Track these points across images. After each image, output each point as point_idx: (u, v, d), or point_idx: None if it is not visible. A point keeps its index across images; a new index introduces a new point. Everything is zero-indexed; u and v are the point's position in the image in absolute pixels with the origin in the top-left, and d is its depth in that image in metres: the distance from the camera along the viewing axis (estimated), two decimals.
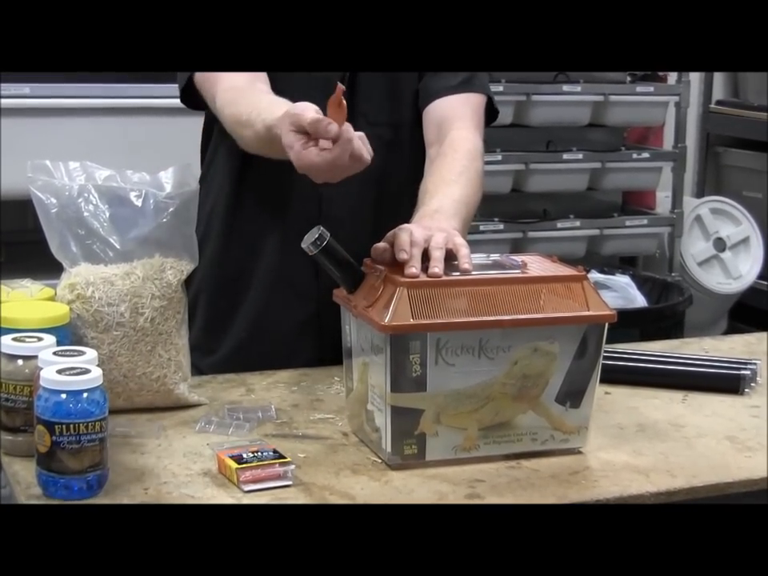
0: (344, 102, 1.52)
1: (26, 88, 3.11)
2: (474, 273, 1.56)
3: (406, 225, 1.64)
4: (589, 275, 3.83)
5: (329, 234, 1.54)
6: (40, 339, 1.53)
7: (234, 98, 1.80)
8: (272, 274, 1.97)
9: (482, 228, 3.87)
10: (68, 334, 1.60)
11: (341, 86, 1.52)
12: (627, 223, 4.21)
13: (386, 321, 1.48)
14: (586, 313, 1.57)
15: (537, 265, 1.64)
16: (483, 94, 2.00)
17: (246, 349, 1.99)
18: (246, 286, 2.00)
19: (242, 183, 1.97)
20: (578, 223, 4.09)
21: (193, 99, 1.94)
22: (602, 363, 1.60)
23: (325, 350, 1.90)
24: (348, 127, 1.52)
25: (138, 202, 1.68)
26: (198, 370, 1.91)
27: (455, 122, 1.93)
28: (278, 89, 1.85)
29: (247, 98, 1.79)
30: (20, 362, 1.51)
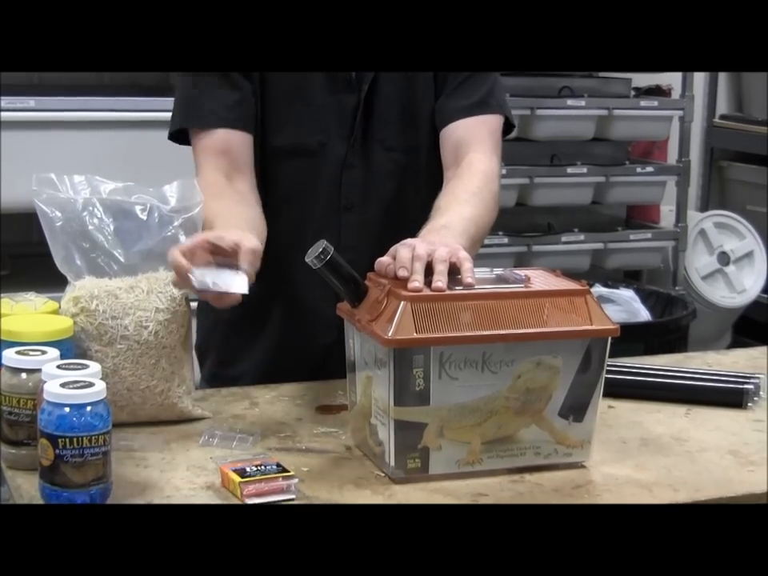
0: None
1: (30, 101, 3.12)
2: (477, 287, 1.56)
3: (409, 240, 1.64)
4: (593, 289, 3.80)
5: (332, 248, 1.54)
6: (44, 353, 1.53)
7: (206, 199, 1.81)
8: (293, 302, 1.97)
9: (486, 242, 3.87)
10: (72, 348, 1.61)
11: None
12: (631, 237, 4.21)
13: (389, 335, 1.48)
14: (590, 327, 1.57)
15: (540, 279, 1.64)
16: (500, 114, 1.99)
17: (267, 377, 1.96)
18: (267, 315, 1.99)
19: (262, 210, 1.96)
20: (582, 237, 4.09)
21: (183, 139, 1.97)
22: (606, 377, 1.60)
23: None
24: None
25: (143, 216, 1.69)
26: None
27: (472, 145, 1.93)
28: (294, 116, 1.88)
29: (216, 202, 1.79)
30: (23, 375, 1.51)
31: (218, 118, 1.89)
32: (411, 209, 1.95)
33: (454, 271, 1.58)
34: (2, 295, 1.74)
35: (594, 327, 1.57)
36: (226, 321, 2.02)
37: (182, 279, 1.59)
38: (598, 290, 3.89)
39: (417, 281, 1.54)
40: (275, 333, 2.00)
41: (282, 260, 1.94)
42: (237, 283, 1.59)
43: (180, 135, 1.95)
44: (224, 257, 1.62)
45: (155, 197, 1.71)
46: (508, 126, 2.02)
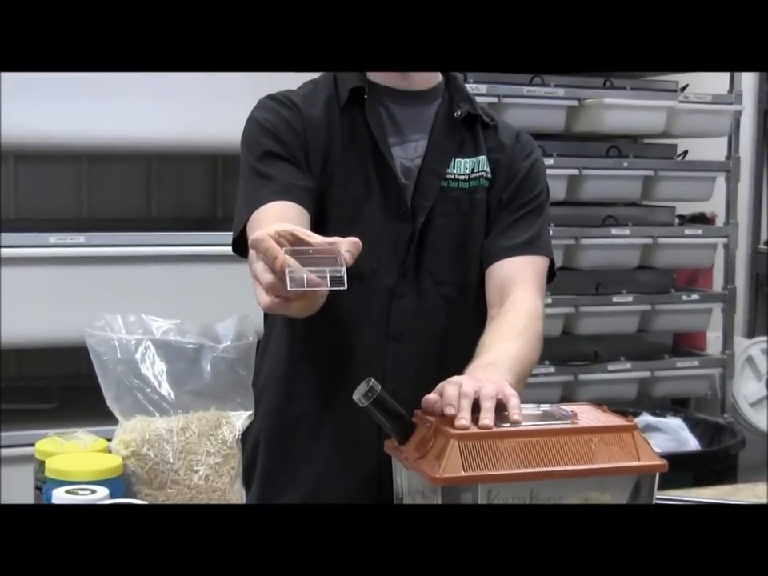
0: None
1: (80, 237, 3.16)
2: (524, 424, 1.57)
3: (456, 377, 1.65)
4: (640, 417, 3.73)
5: (380, 386, 1.56)
6: (93, 491, 1.54)
7: None
8: (335, 430, 1.96)
9: (532, 371, 3.86)
10: (121, 486, 1.61)
11: None
12: (678, 365, 4.19)
13: (438, 473, 1.48)
14: (637, 463, 1.57)
15: (587, 415, 1.64)
16: (547, 256, 2.01)
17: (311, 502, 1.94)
18: (308, 442, 1.98)
19: (306, 338, 1.96)
20: (628, 365, 4.08)
21: (245, 248, 1.94)
22: None
23: None
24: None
25: (195, 356, 1.70)
26: None
27: (518, 284, 1.93)
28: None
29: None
30: None
31: (277, 193, 1.83)
32: (458, 343, 1.95)
33: (500, 408, 1.59)
34: (52, 432, 1.76)
35: (641, 463, 1.57)
36: (265, 444, 2.02)
37: (272, 268, 1.42)
38: (646, 418, 3.86)
39: (464, 418, 1.55)
40: (316, 460, 1.98)
41: (325, 386, 1.95)
42: (334, 278, 1.42)
43: (244, 242, 1.80)
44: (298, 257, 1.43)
45: (208, 335, 1.72)
46: (551, 273, 2.03)
